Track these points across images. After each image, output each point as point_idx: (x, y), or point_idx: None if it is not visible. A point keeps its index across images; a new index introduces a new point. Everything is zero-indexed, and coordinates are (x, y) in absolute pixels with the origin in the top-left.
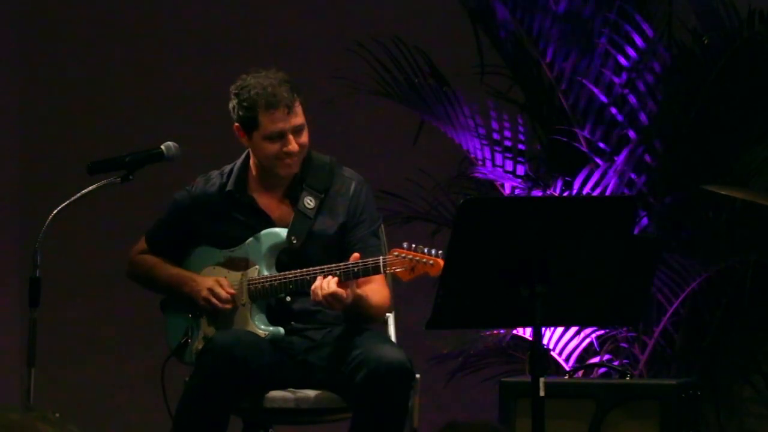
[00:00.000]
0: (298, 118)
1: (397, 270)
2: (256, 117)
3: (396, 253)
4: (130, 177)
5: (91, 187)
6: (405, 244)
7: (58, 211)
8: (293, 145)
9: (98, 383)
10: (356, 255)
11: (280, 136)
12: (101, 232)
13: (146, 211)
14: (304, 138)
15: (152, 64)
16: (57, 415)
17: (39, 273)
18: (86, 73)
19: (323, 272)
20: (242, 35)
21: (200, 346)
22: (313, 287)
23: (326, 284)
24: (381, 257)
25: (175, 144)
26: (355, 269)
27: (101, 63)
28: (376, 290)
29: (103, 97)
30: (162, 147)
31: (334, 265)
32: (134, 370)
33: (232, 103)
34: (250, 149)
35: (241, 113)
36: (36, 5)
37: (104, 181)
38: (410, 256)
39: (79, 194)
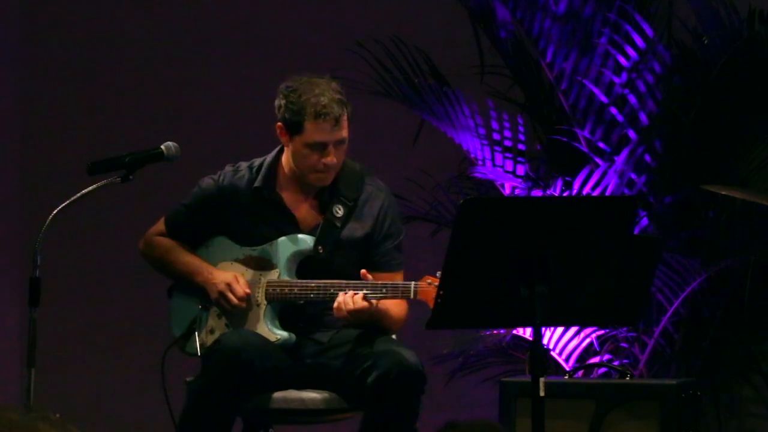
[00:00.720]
0: (343, 132)
1: (428, 299)
2: (302, 123)
3: (428, 281)
4: (130, 177)
5: (91, 187)
6: (438, 273)
7: (58, 211)
8: (332, 158)
9: (98, 383)
10: (364, 271)
11: (322, 147)
12: (101, 232)
13: (146, 211)
14: (343, 152)
15: (152, 64)
16: (57, 415)
17: (39, 273)
18: (86, 73)
19: (349, 287)
20: (242, 35)
21: (206, 339)
22: (336, 304)
23: (351, 300)
24: (413, 283)
25: (175, 144)
26: (384, 290)
27: (101, 62)
28: (396, 303)
29: (103, 96)
30: (162, 147)
31: (361, 282)
32: (134, 370)
33: (280, 101)
34: (287, 150)
35: (287, 115)
36: (36, 5)
37: (104, 181)
38: None
39: (79, 194)
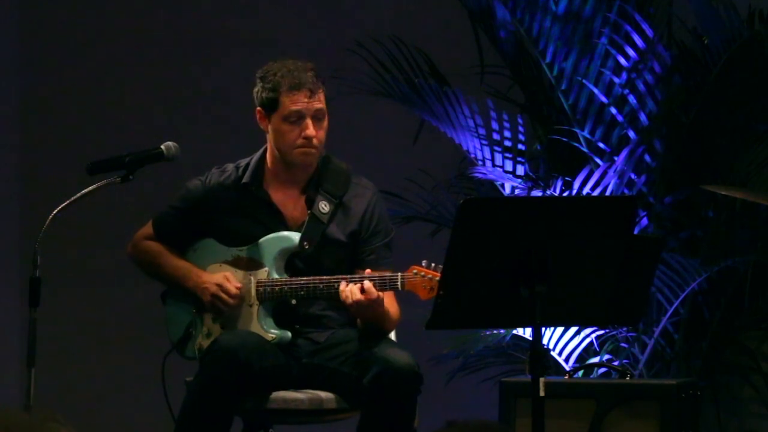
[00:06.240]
0: (320, 104)
1: (416, 289)
2: (278, 98)
3: (415, 271)
4: (130, 177)
5: (91, 187)
6: (424, 262)
7: (58, 211)
8: (311, 130)
9: (98, 383)
10: (368, 271)
11: (299, 118)
12: (101, 232)
13: (146, 211)
14: (323, 129)
15: (152, 64)
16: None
17: (39, 273)
18: (86, 73)
19: (338, 282)
20: (242, 35)
21: (203, 342)
22: (342, 287)
23: (357, 290)
24: (399, 274)
25: (175, 144)
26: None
27: (101, 63)
28: (388, 303)
29: (103, 97)
30: (162, 147)
31: (349, 276)
32: (134, 369)
33: (257, 87)
34: (269, 137)
35: (264, 95)
36: (36, 6)
37: (104, 181)
38: (430, 276)
39: (79, 194)
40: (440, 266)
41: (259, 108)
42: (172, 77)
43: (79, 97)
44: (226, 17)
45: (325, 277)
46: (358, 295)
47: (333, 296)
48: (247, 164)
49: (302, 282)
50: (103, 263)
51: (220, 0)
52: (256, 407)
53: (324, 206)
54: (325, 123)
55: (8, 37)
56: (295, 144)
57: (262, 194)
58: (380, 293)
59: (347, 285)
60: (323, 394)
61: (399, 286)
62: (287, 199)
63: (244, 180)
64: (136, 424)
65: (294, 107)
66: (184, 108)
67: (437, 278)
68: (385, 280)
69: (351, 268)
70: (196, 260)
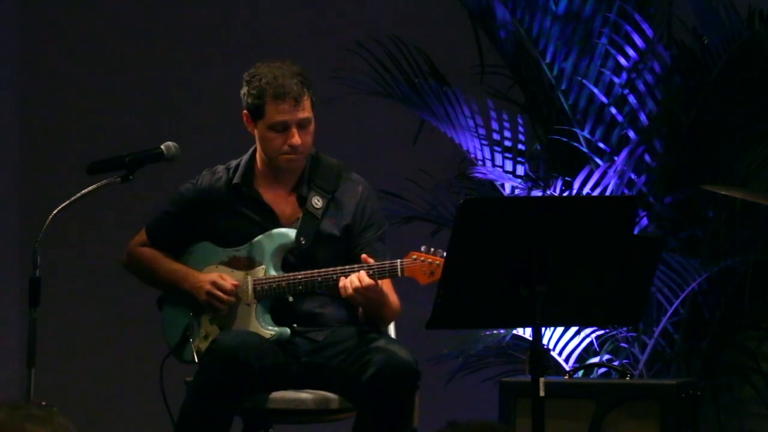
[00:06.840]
0: (305, 113)
1: (416, 274)
2: (263, 106)
3: (414, 257)
4: (130, 177)
5: (91, 187)
6: (423, 248)
7: (58, 211)
8: (296, 139)
9: (98, 383)
10: (364, 257)
11: (284, 128)
12: (101, 232)
13: (146, 211)
14: (309, 134)
15: (152, 64)
16: (43, 403)
17: (39, 273)
18: (86, 74)
19: (336, 274)
20: (242, 35)
21: (201, 345)
22: (342, 283)
23: (356, 278)
24: (399, 260)
25: (175, 144)
26: (371, 271)
27: (101, 63)
28: (388, 292)
29: (103, 97)
30: (162, 147)
31: (348, 266)
32: (134, 369)
33: (243, 89)
34: (256, 140)
35: (249, 101)
36: (36, 5)
37: (104, 181)
38: (429, 260)
39: (79, 194)
40: (440, 250)
41: (245, 111)
42: (172, 77)
43: (79, 97)
44: (226, 17)
45: (322, 270)
46: (357, 284)
47: (332, 288)
48: (237, 165)
49: (300, 276)
50: (103, 263)
51: (220, 0)
52: (257, 407)
53: (317, 202)
54: (311, 128)
55: (8, 37)
56: (280, 151)
57: (253, 194)
58: (375, 280)
59: (344, 281)
60: (325, 394)
61: (399, 273)
62: (279, 198)
63: (235, 180)
64: (135, 425)
65: (278, 117)
66: (184, 108)
67: (437, 262)
68: (384, 267)
69: (346, 262)
70: (193, 263)
